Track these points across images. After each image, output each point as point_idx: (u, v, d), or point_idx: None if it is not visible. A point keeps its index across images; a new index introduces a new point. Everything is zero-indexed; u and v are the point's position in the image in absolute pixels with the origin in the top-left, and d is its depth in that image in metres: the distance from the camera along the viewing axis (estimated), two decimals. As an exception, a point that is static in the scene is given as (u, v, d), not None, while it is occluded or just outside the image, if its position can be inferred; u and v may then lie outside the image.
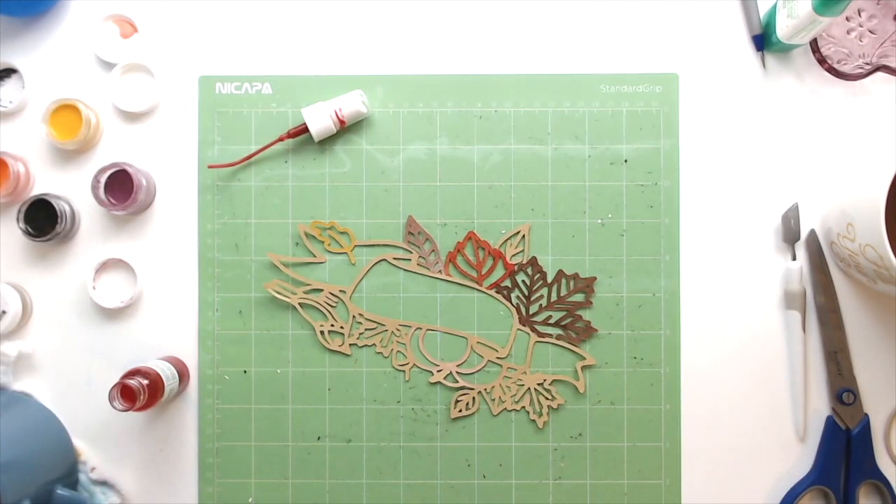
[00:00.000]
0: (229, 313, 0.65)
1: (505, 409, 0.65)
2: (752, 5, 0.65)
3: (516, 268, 0.65)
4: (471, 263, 0.65)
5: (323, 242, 0.65)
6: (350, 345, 0.65)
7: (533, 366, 0.65)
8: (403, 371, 0.65)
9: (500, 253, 0.65)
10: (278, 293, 0.64)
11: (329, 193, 0.65)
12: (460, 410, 0.64)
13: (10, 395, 0.64)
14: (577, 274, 0.65)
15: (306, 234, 0.65)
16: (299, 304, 0.64)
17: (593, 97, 0.65)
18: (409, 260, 0.65)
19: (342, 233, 0.65)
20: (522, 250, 0.65)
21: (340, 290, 0.65)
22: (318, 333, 0.65)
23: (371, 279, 0.65)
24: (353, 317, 0.65)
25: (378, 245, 0.65)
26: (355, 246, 0.65)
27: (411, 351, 0.65)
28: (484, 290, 0.65)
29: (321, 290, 0.65)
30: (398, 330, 0.65)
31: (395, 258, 0.65)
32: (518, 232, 0.65)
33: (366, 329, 0.65)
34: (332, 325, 0.65)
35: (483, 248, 0.65)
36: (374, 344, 0.65)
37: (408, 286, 0.65)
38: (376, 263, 0.65)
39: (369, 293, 0.65)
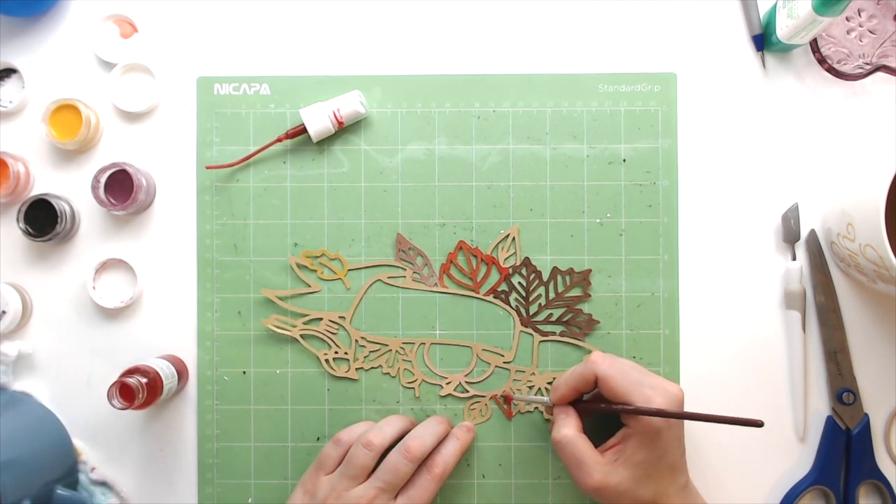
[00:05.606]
0: (228, 314, 0.65)
1: (519, 411, 0.65)
2: (751, 5, 0.65)
3: (510, 270, 0.65)
4: (465, 272, 0.65)
5: (315, 271, 0.65)
6: (357, 369, 0.65)
7: (539, 366, 0.65)
8: (413, 388, 0.65)
9: (493, 258, 0.65)
10: (278, 328, 0.64)
11: (328, 194, 0.65)
12: (474, 419, 0.64)
13: (10, 395, 0.64)
14: (571, 269, 0.65)
15: (298, 265, 0.65)
16: (300, 335, 0.64)
17: (591, 97, 0.65)
18: (404, 277, 0.65)
19: (333, 259, 0.65)
20: (514, 252, 0.65)
21: (340, 317, 0.65)
22: (324, 362, 0.64)
23: (368, 301, 0.65)
24: (356, 341, 0.65)
25: (371, 266, 0.65)
26: (348, 270, 0.65)
27: (417, 367, 0.65)
28: (482, 297, 0.65)
29: (321, 319, 0.65)
30: (402, 348, 0.65)
31: (389, 277, 0.65)
32: (508, 235, 0.65)
33: (370, 352, 0.65)
34: (336, 353, 0.65)
35: (475, 256, 0.65)
36: (380, 365, 0.65)
37: (406, 303, 0.65)
38: (371, 285, 0.65)
39: (368, 315, 0.65)
